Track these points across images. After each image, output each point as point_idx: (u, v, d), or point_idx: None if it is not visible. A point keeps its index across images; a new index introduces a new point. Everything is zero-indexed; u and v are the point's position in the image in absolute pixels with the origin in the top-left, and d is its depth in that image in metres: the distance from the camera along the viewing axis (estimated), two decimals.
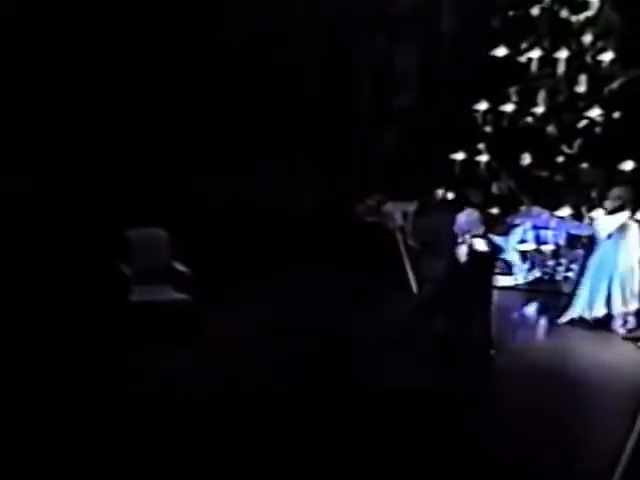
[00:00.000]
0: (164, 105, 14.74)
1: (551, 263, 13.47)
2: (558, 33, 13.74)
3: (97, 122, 14.63)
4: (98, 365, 9.58)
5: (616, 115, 13.49)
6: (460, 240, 9.73)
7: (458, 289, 9.68)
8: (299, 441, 7.98)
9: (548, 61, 13.78)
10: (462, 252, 9.67)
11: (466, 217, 9.84)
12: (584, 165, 13.49)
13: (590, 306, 11.47)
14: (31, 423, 8.09)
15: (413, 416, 8.57)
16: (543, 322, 12.14)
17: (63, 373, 9.32)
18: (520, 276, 13.51)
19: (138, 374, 9.34)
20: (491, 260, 10.04)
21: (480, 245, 9.69)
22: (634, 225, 11.44)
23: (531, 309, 12.69)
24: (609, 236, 11.28)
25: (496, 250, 10.16)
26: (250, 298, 11.89)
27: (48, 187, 13.65)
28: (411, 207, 13.47)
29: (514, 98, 13.98)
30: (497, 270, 10.49)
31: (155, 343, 9.99)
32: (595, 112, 13.49)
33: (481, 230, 9.77)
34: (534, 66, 13.86)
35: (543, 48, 13.80)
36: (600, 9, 13.57)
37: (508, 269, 13.47)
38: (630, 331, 11.35)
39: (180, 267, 10.81)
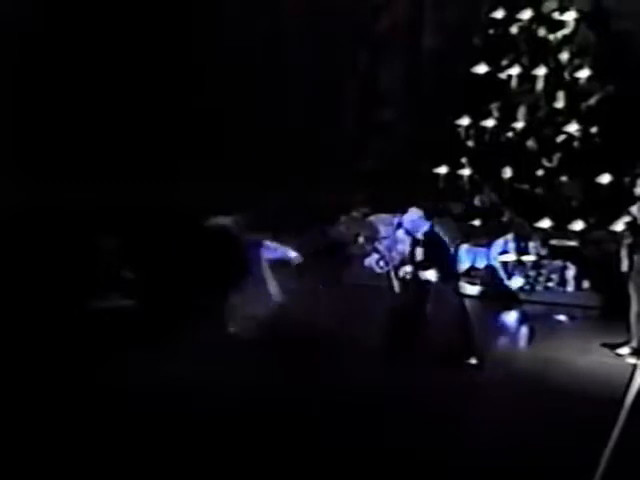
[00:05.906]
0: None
1: (532, 273, 13.78)
2: (536, 51, 14.20)
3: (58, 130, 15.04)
4: (52, 370, 9.70)
5: (593, 130, 13.95)
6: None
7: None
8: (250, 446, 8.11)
9: (527, 78, 14.22)
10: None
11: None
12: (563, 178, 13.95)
13: None
14: None
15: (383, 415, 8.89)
16: (524, 330, 12.50)
17: (17, 379, 9.42)
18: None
19: (91, 379, 9.48)
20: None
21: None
22: None
23: (511, 318, 13.05)
24: None
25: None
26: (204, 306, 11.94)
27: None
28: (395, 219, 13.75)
29: (495, 113, 14.39)
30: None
31: (105, 348, 10.21)
32: (573, 127, 13.94)
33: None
34: (514, 83, 14.29)
35: (522, 65, 14.23)
36: (576, 28, 14.04)
37: (490, 279, 13.82)
38: None
39: (129, 274, 11.17)
